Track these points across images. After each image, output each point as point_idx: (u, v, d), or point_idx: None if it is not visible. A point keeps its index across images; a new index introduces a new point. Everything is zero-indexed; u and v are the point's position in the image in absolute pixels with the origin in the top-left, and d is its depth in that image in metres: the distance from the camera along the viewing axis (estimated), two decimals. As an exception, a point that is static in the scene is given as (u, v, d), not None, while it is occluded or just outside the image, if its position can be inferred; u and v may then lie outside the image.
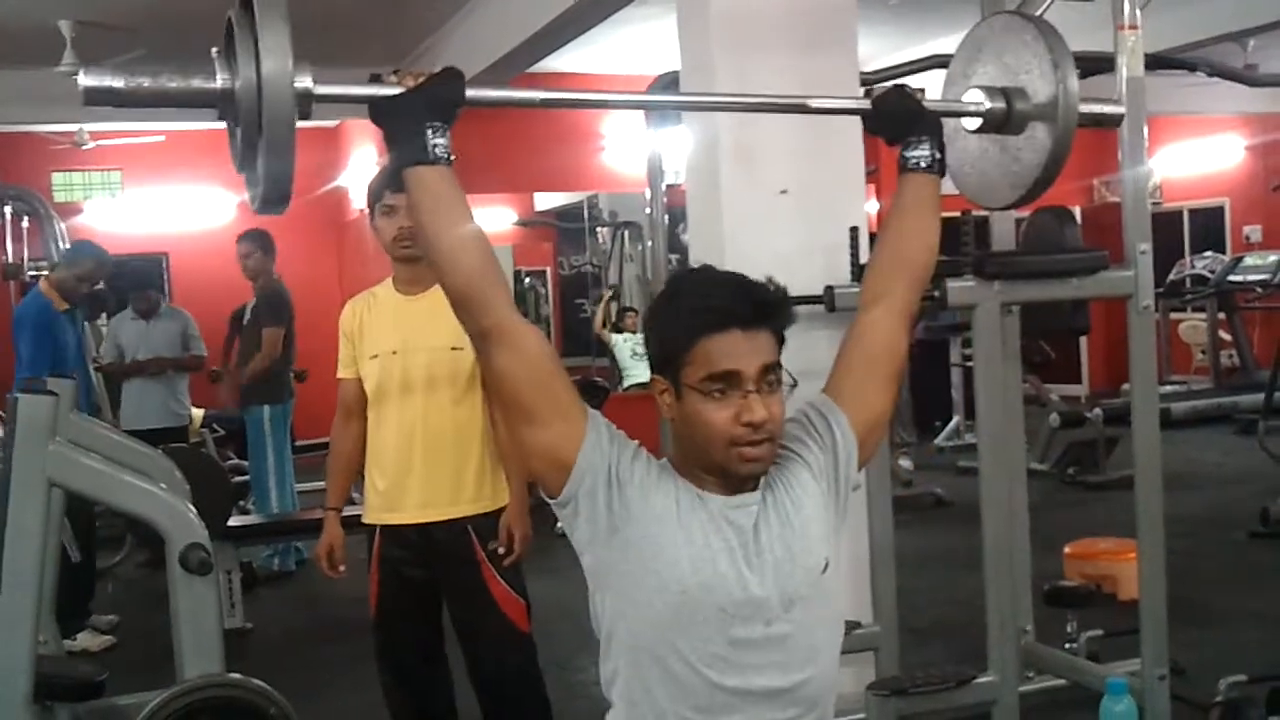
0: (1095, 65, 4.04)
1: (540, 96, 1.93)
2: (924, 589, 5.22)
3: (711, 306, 1.67)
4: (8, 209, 8.69)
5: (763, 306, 1.68)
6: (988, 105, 2.07)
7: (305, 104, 1.63)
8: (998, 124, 2.08)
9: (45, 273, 6.31)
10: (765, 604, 1.67)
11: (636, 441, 1.75)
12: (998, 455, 3.55)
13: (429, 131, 1.66)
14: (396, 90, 1.68)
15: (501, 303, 1.68)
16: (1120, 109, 2.20)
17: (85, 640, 5.31)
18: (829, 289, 3.63)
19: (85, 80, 1.61)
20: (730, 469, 1.68)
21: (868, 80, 4.38)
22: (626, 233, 10.48)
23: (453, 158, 1.69)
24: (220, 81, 1.64)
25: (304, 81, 1.62)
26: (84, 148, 9.67)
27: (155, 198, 10.78)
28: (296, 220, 9.91)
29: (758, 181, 3.98)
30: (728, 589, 1.66)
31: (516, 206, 10.93)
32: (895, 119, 1.96)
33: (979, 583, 3.53)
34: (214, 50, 1.68)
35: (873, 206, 8.80)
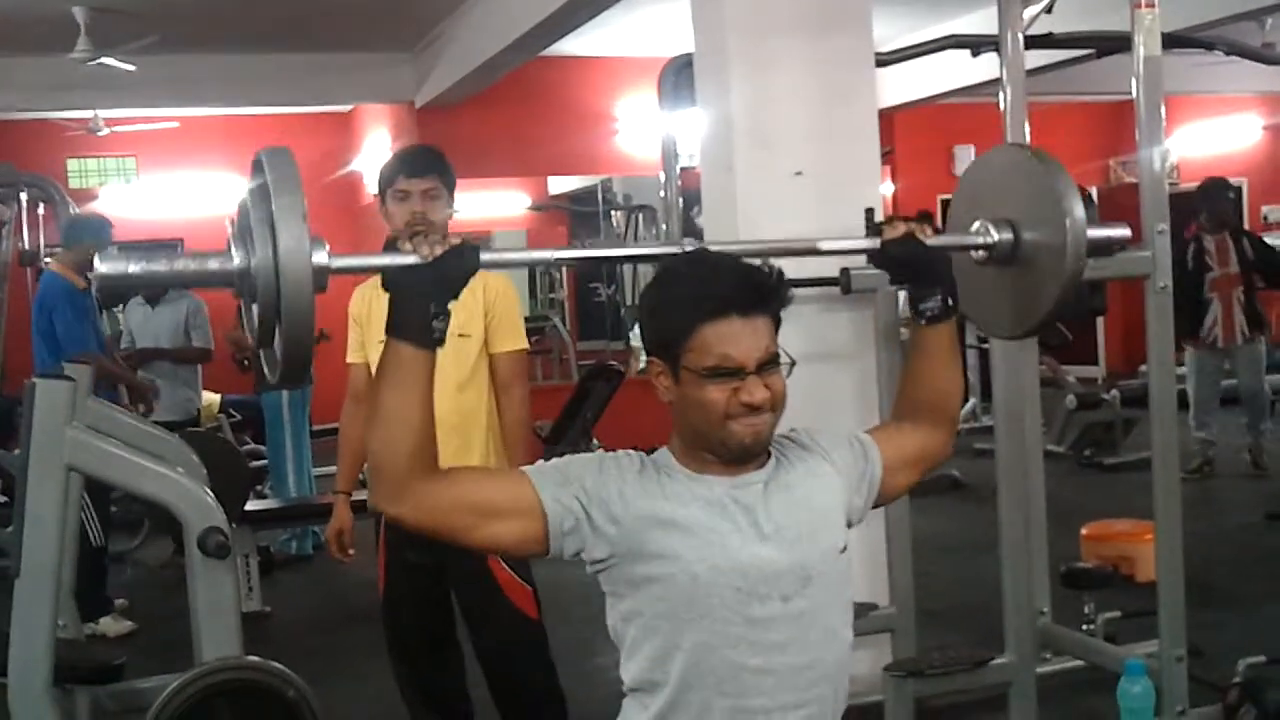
0: (1112, 44, 4.01)
1: (554, 256, 1.95)
2: (940, 571, 5.22)
3: (710, 294, 1.68)
4: (24, 196, 8.70)
5: (761, 292, 1.70)
6: (995, 238, 2.05)
7: (321, 278, 1.64)
8: (1004, 257, 2.06)
9: (49, 257, 6.19)
10: (781, 577, 1.68)
11: (595, 455, 1.76)
12: (1014, 437, 3.54)
13: (432, 314, 1.64)
14: (411, 260, 1.66)
15: (419, 491, 1.65)
16: (1125, 232, 2.17)
17: (106, 625, 5.33)
18: (845, 271, 3.61)
19: (101, 268, 1.62)
20: (728, 443, 1.69)
21: (883, 60, 4.36)
22: (640, 216, 10.47)
23: (443, 342, 1.67)
24: (236, 262, 1.65)
25: (320, 258, 1.63)
26: (99, 134, 9.69)
27: (170, 183, 10.80)
28: (310, 206, 9.95)
29: (773, 164, 3.97)
30: (741, 567, 1.67)
31: (530, 190, 10.92)
32: (903, 263, 1.95)
33: (995, 564, 3.52)
34: (228, 223, 1.69)
35: (887, 189, 8.79)
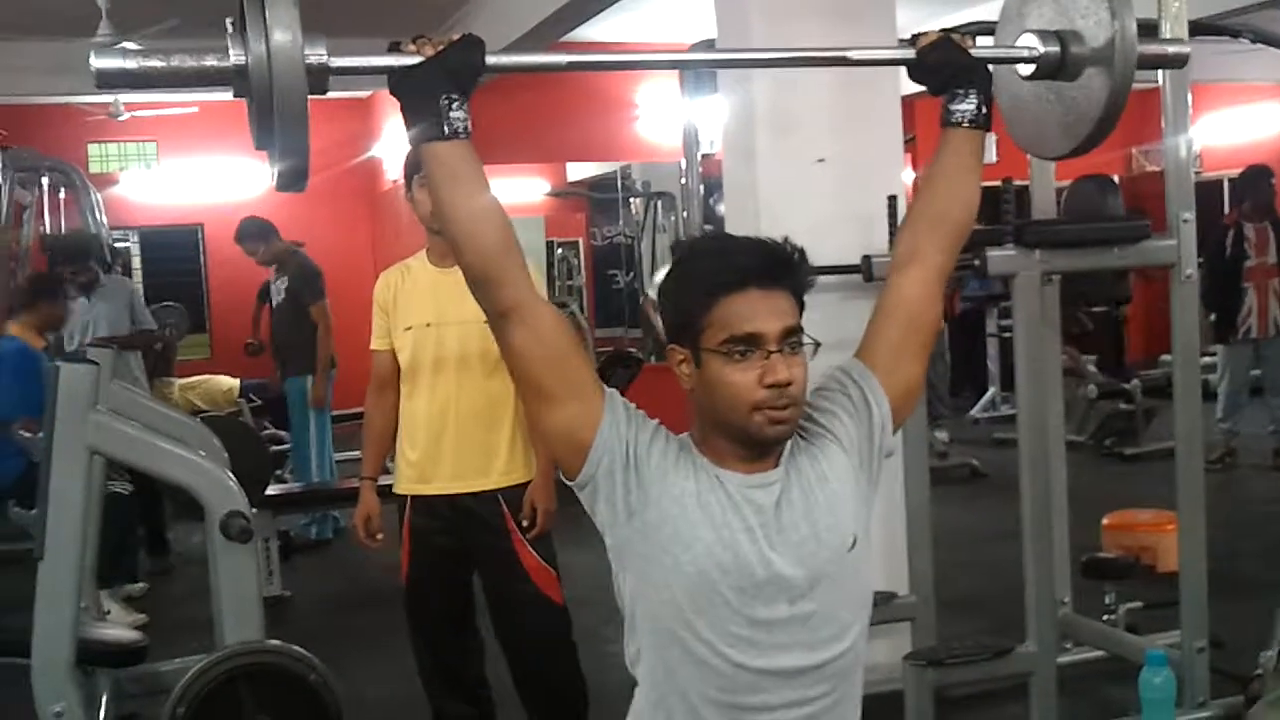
0: (1139, 31, 3.96)
1: (565, 60, 1.84)
2: (960, 560, 5.20)
3: (728, 266, 1.63)
4: (45, 180, 8.76)
5: (779, 264, 1.65)
6: (1041, 50, 1.97)
7: (320, 77, 1.59)
8: (1052, 70, 1.98)
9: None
10: (790, 583, 1.63)
11: (656, 421, 1.71)
12: (1036, 426, 3.52)
13: (445, 104, 1.61)
14: (414, 60, 1.63)
15: (519, 281, 1.64)
16: (1185, 48, 2.10)
17: (117, 614, 5.33)
18: (866, 258, 3.61)
19: (97, 63, 1.57)
20: (753, 434, 1.63)
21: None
22: (660, 203, 10.43)
23: (470, 130, 1.63)
24: (233, 59, 1.60)
25: (318, 55, 1.59)
26: (119, 119, 9.72)
27: (190, 169, 10.83)
28: (329, 192, 9.88)
29: (794, 150, 3.95)
30: (749, 570, 1.62)
31: (549, 177, 10.91)
32: (941, 70, 1.84)
33: (1016, 554, 3.51)
34: (228, 23, 1.65)
35: (910, 176, 8.73)
